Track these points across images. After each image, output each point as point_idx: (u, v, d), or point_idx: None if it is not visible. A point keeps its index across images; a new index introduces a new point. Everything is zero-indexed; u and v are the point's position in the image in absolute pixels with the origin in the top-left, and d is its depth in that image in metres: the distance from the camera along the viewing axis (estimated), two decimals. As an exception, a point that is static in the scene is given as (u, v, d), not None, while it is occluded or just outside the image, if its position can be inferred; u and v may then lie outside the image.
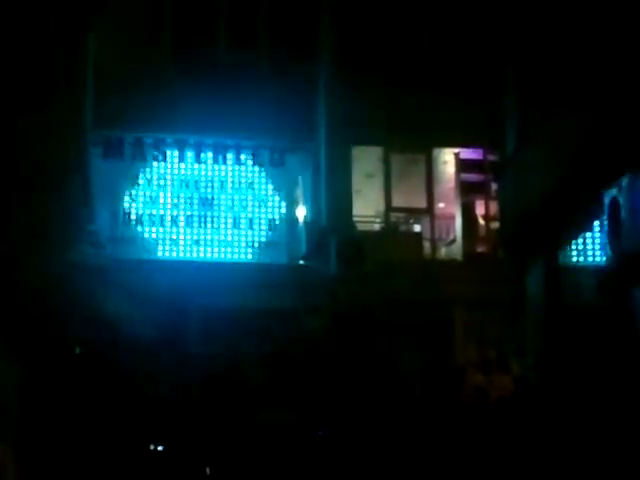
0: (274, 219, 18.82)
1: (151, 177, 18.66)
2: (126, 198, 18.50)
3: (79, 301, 14.88)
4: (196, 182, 18.76)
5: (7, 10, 7.63)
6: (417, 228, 19.56)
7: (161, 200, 18.60)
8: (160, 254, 18.39)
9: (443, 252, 19.46)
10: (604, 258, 11.78)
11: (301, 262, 18.26)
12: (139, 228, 18.41)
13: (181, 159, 18.73)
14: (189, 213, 18.60)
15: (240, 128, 18.42)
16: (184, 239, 18.51)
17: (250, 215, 18.77)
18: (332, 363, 16.19)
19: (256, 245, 18.68)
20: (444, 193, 19.30)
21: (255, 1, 19.32)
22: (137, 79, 17.82)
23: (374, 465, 13.57)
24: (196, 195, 18.69)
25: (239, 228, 18.69)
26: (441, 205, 19.38)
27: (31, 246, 11.91)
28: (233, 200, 18.79)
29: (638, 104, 10.37)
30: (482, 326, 17.36)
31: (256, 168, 18.91)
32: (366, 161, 19.00)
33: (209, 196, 18.73)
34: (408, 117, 18.22)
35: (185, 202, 18.66)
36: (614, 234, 10.89)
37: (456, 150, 19.19)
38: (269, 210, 18.85)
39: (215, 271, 17.68)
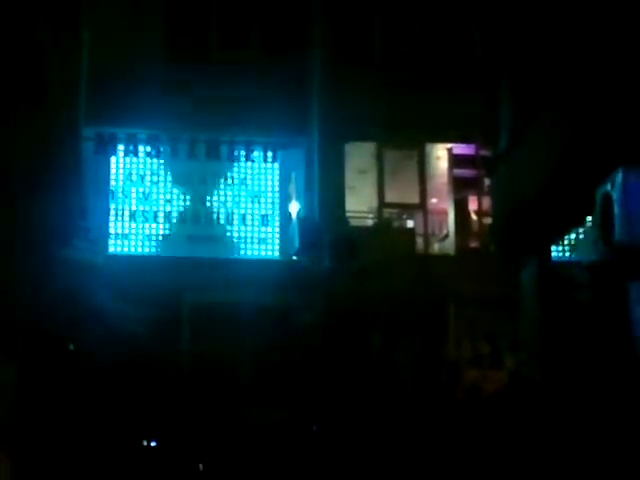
0: (267, 215, 18.81)
1: (144, 173, 18.65)
2: (119, 194, 18.50)
3: (72, 297, 14.86)
4: (189, 178, 18.74)
5: None
6: (410, 224, 19.57)
7: (154, 196, 18.59)
8: (153, 250, 18.39)
9: (436, 247, 19.48)
10: (597, 253, 11.78)
11: (294, 258, 18.26)
12: (132, 224, 18.40)
13: (174, 155, 18.71)
14: (182, 209, 18.59)
15: (233, 124, 18.41)
16: (177, 235, 18.50)
17: (243, 211, 18.75)
18: (325, 359, 16.20)
19: (249, 241, 18.67)
20: (437, 189, 19.31)
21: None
22: (130, 75, 17.80)
23: (368, 460, 13.60)
24: (189, 191, 18.68)
25: (232, 224, 18.68)
26: (434, 201, 19.40)
27: (24, 243, 11.88)
28: (226, 196, 18.78)
29: (631, 99, 10.38)
30: (476, 321, 17.39)
31: (249, 164, 18.90)
32: (359, 157, 19.00)
33: (202, 192, 18.72)
34: (401, 113, 18.22)
35: (178, 198, 18.65)
36: (607, 229, 10.89)
37: (449, 145, 19.20)
38: (262, 206, 18.84)
39: (208, 267, 17.66)
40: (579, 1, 11.57)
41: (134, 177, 18.58)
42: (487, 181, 18.38)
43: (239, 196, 18.77)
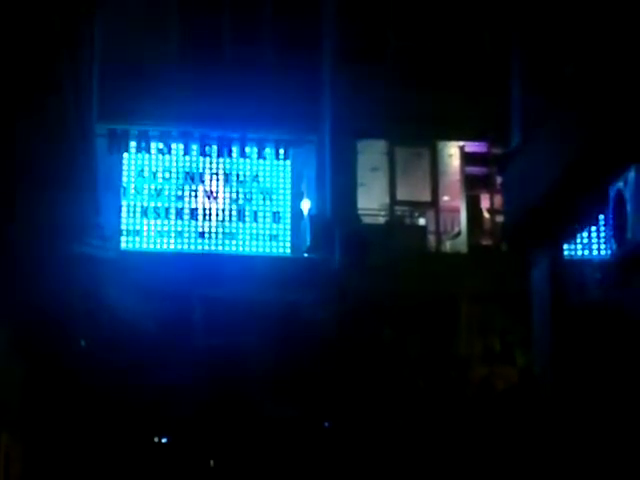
0: (279, 212, 18.84)
1: (156, 170, 18.69)
2: (131, 191, 18.55)
3: (84, 293, 14.91)
4: (201, 175, 18.78)
5: (7, 4, 7.61)
6: (422, 221, 19.57)
7: (166, 193, 18.63)
8: (165, 247, 18.43)
9: (448, 245, 19.47)
10: (609, 252, 11.75)
11: (306, 255, 18.28)
12: (144, 221, 18.45)
13: (186, 152, 18.76)
14: (194, 206, 18.63)
15: (245, 121, 18.45)
16: (189, 232, 18.54)
17: (255, 208, 18.78)
18: (337, 355, 16.21)
19: (261, 238, 18.70)
20: (449, 186, 19.31)
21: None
22: (142, 72, 17.85)
23: (379, 456, 13.61)
24: (201, 188, 18.72)
25: (244, 221, 18.71)
26: (446, 198, 19.39)
27: (37, 241, 11.92)
28: (238, 193, 18.81)
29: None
30: (487, 318, 17.38)
31: (261, 161, 18.93)
32: (370, 154, 19.01)
33: (214, 189, 18.76)
34: (412, 110, 18.21)
35: (190, 195, 18.68)
36: (619, 227, 10.86)
37: (461, 143, 19.19)
38: (274, 203, 18.86)
39: (220, 264, 17.71)
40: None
41: (146, 174, 18.63)
42: (499, 179, 18.35)
43: (251, 193, 18.81)
